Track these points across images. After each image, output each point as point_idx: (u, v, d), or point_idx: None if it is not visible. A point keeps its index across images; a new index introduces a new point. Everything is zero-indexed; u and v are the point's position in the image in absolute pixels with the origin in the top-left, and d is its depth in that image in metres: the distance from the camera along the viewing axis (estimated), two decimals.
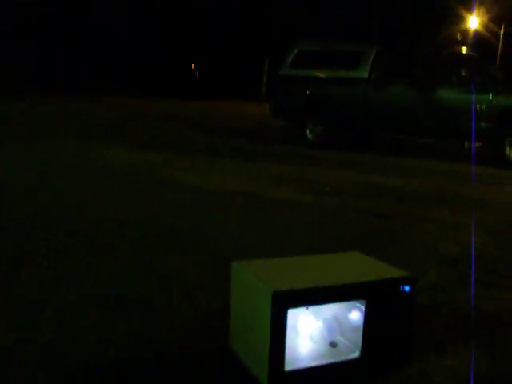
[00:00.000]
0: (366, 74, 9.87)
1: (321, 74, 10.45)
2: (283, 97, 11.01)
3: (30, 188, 5.19)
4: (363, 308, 2.05)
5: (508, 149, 8.64)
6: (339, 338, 2.17)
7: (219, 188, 5.63)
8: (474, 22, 27.67)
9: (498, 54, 23.53)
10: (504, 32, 27.98)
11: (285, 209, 4.89)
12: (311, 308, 2.18)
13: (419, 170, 8.05)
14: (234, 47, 32.69)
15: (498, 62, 17.00)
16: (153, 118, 15.19)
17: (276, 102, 11.29)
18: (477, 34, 23.33)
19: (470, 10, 27.58)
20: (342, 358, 2.06)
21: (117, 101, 21.96)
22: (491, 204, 5.62)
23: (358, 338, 2.08)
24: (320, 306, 2.19)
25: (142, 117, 15.28)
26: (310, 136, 10.62)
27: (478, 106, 8.81)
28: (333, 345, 2.13)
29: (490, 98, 8.77)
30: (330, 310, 2.21)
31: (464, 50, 10.16)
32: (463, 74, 9.36)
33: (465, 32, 21.25)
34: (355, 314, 2.14)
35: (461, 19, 26.25)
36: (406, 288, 2.04)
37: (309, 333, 2.14)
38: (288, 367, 1.92)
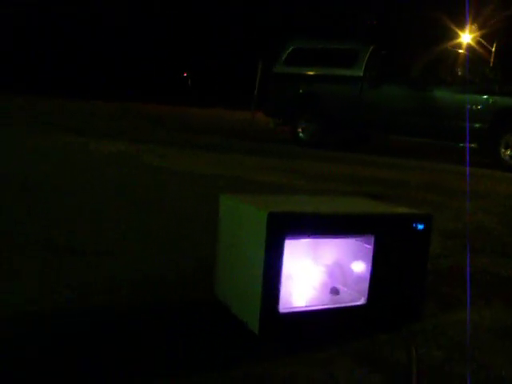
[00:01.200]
0: (360, 73, 9.68)
1: (315, 72, 10.25)
2: (276, 94, 10.77)
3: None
4: (370, 254, 1.77)
5: (503, 150, 8.45)
6: (341, 287, 1.91)
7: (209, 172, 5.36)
8: (466, 37, 27.87)
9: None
10: (496, 48, 28.16)
11: (278, 190, 4.62)
12: (311, 253, 1.93)
13: (413, 167, 7.84)
14: (227, 54, 32.64)
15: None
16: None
17: (269, 100, 11.05)
18: (470, 47, 23.34)
19: (462, 27, 27.78)
20: (345, 304, 1.80)
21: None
22: (486, 194, 5.42)
23: (363, 287, 1.80)
24: (321, 251, 1.95)
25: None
26: (301, 135, 10.38)
27: (473, 107, 8.64)
28: (334, 292, 1.87)
29: (486, 98, 8.60)
30: (332, 255, 1.95)
31: (460, 50, 10.00)
32: (459, 73, 9.21)
33: (458, 46, 21.28)
34: (360, 264, 1.88)
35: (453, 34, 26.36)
36: (420, 226, 1.78)
37: (308, 278, 1.89)
38: (283, 310, 1.65)
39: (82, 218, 3.08)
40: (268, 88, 11.12)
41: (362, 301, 1.79)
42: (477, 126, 8.56)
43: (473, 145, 8.69)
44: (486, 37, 28.44)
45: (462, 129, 8.64)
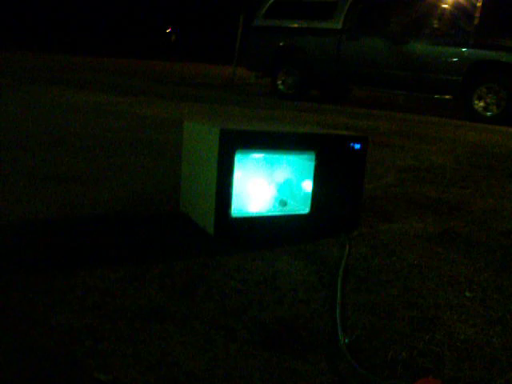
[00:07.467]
0: (339, 25, 9.79)
1: (295, 25, 10.35)
2: (256, 48, 10.87)
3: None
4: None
5: (476, 101, 8.70)
6: (290, 202, 2.18)
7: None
8: None
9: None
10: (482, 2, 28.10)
11: None
12: (265, 170, 2.19)
13: (387, 117, 8.08)
14: (210, 9, 32.32)
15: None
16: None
17: (249, 54, 11.15)
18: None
19: None
20: (290, 212, 2.08)
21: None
22: (452, 140, 5.69)
23: (309, 200, 2.08)
24: (272, 170, 2.21)
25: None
26: (281, 87, 10.54)
27: (449, 59, 8.84)
28: (283, 203, 2.14)
29: (461, 51, 8.80)
30: (283, 172, 2.21)
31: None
32: (436, 26, 9.36)
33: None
34: (307, 181, 2.15)
35: None
36: (357, 145, 2.05)
37: (260, 191, 2.15)
38: (235, 214, 1.92)
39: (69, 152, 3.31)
40: (248, 42, 11.21)
41: (306, 210, 2.06)
42: (452, 78, 8.78)
43: (448, 96, 8.94)
44: None
45: (438, 81, 8.88)
